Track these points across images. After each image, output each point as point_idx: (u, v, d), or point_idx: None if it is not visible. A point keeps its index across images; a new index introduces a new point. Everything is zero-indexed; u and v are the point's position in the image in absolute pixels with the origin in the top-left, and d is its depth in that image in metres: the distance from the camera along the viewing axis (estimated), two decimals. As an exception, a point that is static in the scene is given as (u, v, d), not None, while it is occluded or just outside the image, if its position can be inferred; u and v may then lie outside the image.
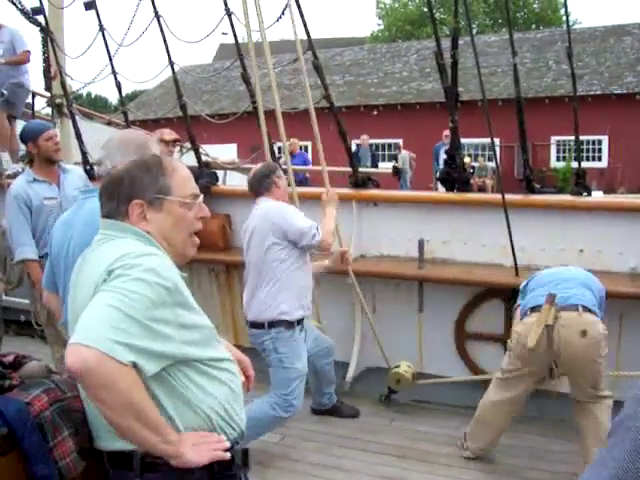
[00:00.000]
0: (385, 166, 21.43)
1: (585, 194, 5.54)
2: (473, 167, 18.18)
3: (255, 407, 4.32)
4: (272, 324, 4.35)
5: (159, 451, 1.79)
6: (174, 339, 1.82)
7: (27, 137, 4.80)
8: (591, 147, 22.11)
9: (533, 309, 4.02)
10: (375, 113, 24.69)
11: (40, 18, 7.07)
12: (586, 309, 3.93)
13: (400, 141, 24.50)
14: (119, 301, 1.71)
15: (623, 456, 0.98)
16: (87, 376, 1.66)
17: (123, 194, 1.99)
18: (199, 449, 1.84)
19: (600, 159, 22.22)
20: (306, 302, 4.50)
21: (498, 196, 5.11)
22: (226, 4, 6.20)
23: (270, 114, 5.32)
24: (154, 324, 1.76)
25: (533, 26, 40.55)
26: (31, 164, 4.84)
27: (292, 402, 4.38)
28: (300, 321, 4.45)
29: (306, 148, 19.23)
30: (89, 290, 1.83)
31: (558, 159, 22.54)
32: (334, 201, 4.70)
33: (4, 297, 5.97)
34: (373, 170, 9.05)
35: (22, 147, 6.23)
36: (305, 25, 5.71)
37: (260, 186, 4.49)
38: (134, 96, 33.75)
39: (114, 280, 1.77)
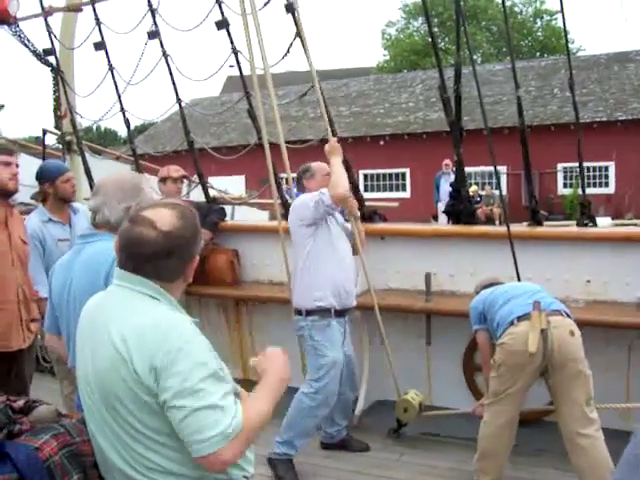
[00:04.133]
0: (392, 196, 21.54)
1: (591, 224, 5.57)
2: (480, 196, 18.24)
3: (290, 408, 4.61)
4: (309, 312, 4.61)
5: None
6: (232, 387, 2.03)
7: (45, 177, 4.88)
8: (598, 173, 22.14)
9: (520, 318, 4.09)
10: (382, 143, 24.84)
11: (51, 59, 7.23)
12: (566, 314, 4.16)
13: (407, 170, 24.67)
14: (200, 399, 1.85)
15: None
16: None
17: (189, 254, 2.07)
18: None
19: (607, 185, 22.24)
20: (341, 290, 4.64)
21: (504, 229, 5.15)
22: (232, 42, 6.32)
23: (277, 147, 5.39)
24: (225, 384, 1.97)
25: (538, 54, 40.87)
26: (44, 202, 4.91)
27: (319, 388, 4.57)
28: (339, 312, 4.64)
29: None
30: (120, 356, 1.92)
31: (565, 186, 22.56)
32: (337, 150, 4.76)
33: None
34: (379, 203, 9.09)
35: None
36: (310, 63, 5.81)
37: (299, 188, 4.97)
38: (143, 129, 34.10)
39: (174, 378, 1.86)
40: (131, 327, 1.92)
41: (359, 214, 5.18)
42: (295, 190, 5.31)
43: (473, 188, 16.63)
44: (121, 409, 1.90)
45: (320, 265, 4.60)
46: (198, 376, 1.86)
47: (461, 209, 5.65)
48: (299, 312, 4.69)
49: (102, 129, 51.24)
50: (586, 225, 5.55)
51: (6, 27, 6.93)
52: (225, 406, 1.88)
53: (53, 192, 4.82)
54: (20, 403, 2.06)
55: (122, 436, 1.92)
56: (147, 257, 1.99)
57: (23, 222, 4.35)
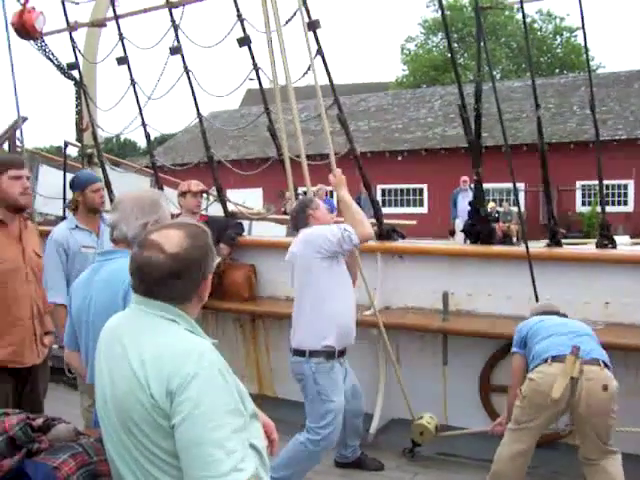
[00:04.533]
0: (409, 211, 21.52)
1: (610, 245, 5.53)
2: (498, 212, 18.17)
3: (289, 447, 4.39)
4: (312, 353, 4.37)
5: None
6: (246, 419, 2.01)
7: (76, 186, 4.96)
8: (617, 191, 22.01)
9: (555, 358, 3.99)
10: (400, 159, 24.84)
11: (75, 73, 7.32)
12: (605, 365, 3.98)
13: (425, 186, 24.64)
14: (208, 432, 1.84)
15: None
16: None
17: (200, 276, 2.06)
18: None
19: (626, 203, 22.10)
20: (348, 332, 4.50)
21: (522, 249, 5.12)
22: (253, 58, 6.37)
23: (295, 161, 5.40)
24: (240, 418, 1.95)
25: (557, 71, 40.77)
26: (75, 211, 4.98)
27: (325, 435, 4.37)
28: (341, 353, 4.48)
29: (331, 194, 19.38)
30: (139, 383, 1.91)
31: (584, 204, 22.45)
32: (343, 181, 4.70)
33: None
34: (397, 221, 9.09)
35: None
36: (330, 79, 5.85)
37: (299, 222, 4.64)
38: (162, 140, 34.29)
39: (186, 403, 1.85)
40: (149, 352, 1.93)
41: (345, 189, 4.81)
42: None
43: (490, 204, 16.57)
44: (138, 433, 1.91)
45: (331, 303, 4.38)
46: (211, 405, 1.85)
47: (479, 229, 5.63)
48: (301, 353, 4.43)
49: (122, 140, 51.64)
50: (605, 246, 5.51)
51: (32, 42, 7.03)
52: (231, 449, 1.84)
53: (82, 201, 4.90)
54: (39, 421, 2.07)
55: (139, 459, 1.92)
56: (156, 281, 1.99)
57: (37, 235, 4.35)
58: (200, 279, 2.06)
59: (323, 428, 4.36)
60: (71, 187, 5.07)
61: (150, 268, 1.98)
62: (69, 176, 8.42)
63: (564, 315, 4.54)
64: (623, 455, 4.02)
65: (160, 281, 1.99)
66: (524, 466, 4.23)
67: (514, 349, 4.43)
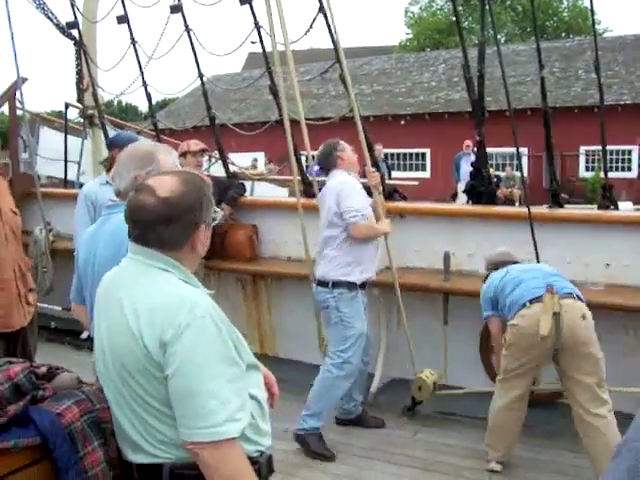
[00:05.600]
0: (412, 175, 21.44)
1: (612, 207, 5.52)
2: (498, 177, 18.10)
3: (317, 380, 4.75)
4: (335, 284, 4.69)
5: None
6: (242, 368, 2.00)
7: (115, 143, 5.01)
8: (620, 157, 21.87)
9: (532, 301, 4.12)
10: (403, 123, 24.70)
11: (74, 32, 7.25)
12: (578, 297, 4.17)
13: (428, 151, 24.54)
14: (201, 382, 1.84)
15: (622, 476, 1.01)
16: None
17: (193, 221, 2.01)
18: None
19: (630, 169, 21.97)
20: (368, 268, 4.81)
21: (524, 210, 5.12)
22: (255, 17, 6.29)
23: (297, 124, 5.38)
24: (235, 367, 1.95)
25: (563, 34, 40.26)
26: (109, 169, 5.00)
27: (348, 359, 4.70)
28: (363, 285, 4.78)
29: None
30: (132, 332, 1.92)
31: (587, 169, 22.33)
32: (388, 225, 4.97)
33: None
34: (399, 182, 9.07)
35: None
36: (333, 38, 5.79)
37: (328, 163, 4.95)
38: (164, 104, 34.15)
39: (179, 354, 1.85)
40: (142, 303, 1.93)
41: (381, 188, 5.30)
42: (316, 168, 5.32)
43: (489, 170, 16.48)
44: (133, 383, 1.92)
45: (354, 242, 4.70)
46: (204, 355, 1.86)
47: (481, 190, 5.63)
48: (324, 284, 4.75)
49: (123, 104, 51.37)
50: (607, 208, 5.51)
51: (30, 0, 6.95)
52: (225, 399, 1.85)
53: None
54: (43, 370, 2.10)
55: (136, 409, 1.94)
56: (147, 224, 1.98)
57: (9, 192, 4.28)
58: (191, 227, 2.01)
59: (344, 352, 4.69)
60: (109, 145, 5.18)
61: (141, 212, 1.98)
62: (70, 138, 8.44)
63: (518, 262, 4.68)
64: (620, 415, 4.05)
65: (150, 225, 1.97)
66: (519, 415, 4.32)
67: (486, 313, 4.54)
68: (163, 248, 2.00)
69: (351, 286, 4.70)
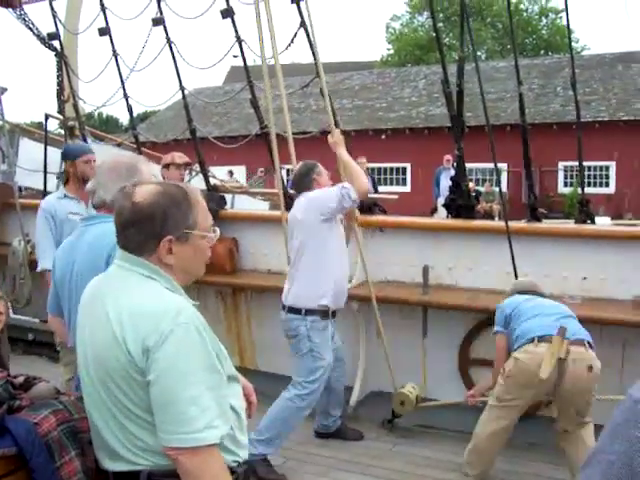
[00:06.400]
0: (392, 190, 21.54)
1: (589, 222, 5.60)
2: (478, 191, 18.23)
3: (274, 407, 4.56)
4: (309, 312, 4.56)
5: None
6: (223, 377, 2.00)
7: (67, 156, 5.05)
8: (598, 173, 22.15)
9: (541, 339, 4.02)
10: (383, 137, 24.83)
11: (55, 43, 7.24)
12: (590, 345, 4.03)
13: (408, 165, 24.66)
14: (182, 389, 1.85)
15: None
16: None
17: (154, 230, 2.00)
18: None
19: (608, 185, 22.24)
20: (342, 292, 4.70)
21: (502, 224, 5.17)
22: (236, 30, 6.33)
23: (279, 137, 5.40)
24: (216, 375, 1.96)
25: (542, 52, 40.78)
26: (66, 183, 5.05)
27: (314, 390, 4.58)
28: (334, 313, 4.67)
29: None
30: (113, 331, 1.92)
31: (566, 184, 22.57)
32: (342, 141, 4.83)
33: (12, 315, 6.05)
34: (379, 196, 9.11)
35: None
36: (314, 52, 5.82)
37: (303, 185, 4.78)
38: (145, 117, 34.05)
39: (161, 361, 1.86)
40: (127, 309, 1.94)
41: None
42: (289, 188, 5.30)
43: (469, 185, 16.60)
44: (114, 388, 1.92)
45: (328, 263, 4.58)
46: (186, 362, 1.87)
47: (460, 203, 5.68)
48: (296, 311, 4.61)
49: (104, 116, 51.17)
50: (584, 222, 5.58)
51: (11, 10, 6.93)
52: (205, 406, 1.86)
53: (73, 171, 4.97)
54: (20, 379, 2.09)
55: (116, 415, 1.94)
56: (120, 226, 2.03)
57: None
58: (156, 234, 2.00)
59: (311, 383, 4.57)
60: (63, 157, 5.16)
61: (117, 214, 2.04)
62: (50, 149, 8.40)
63: (545, 296, 4.56)
64: (596, 427, 4.10)
65: (121, 228, 2.03)
66: (503, 442, 4.33)
67: (497, 328, 4.43)
68: (126, 250, 2.03)
69: (324, 315, 4.59)
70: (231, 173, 19.56)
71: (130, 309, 1.93)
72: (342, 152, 4.76)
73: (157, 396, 1.86)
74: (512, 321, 4.33)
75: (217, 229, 2.19)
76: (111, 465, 1.99)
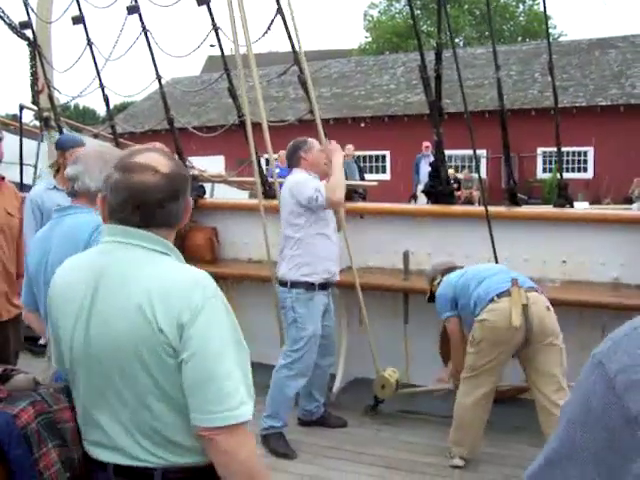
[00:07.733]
0: (372, 177, 21.55)
1: (567, 205, 5.63)
2: (457, 179, 18.30)
3: (271, 381, 4.80)
4: (293, 284, 4.72)
5: None
6: (247, 352, 1.93)
7: (59, 147, 5.07)
8: (577, 158, 22.31)
9: (500, 295, 4.21)
10: (362, 125, 24.80)
11: (28, 32, 7.12)
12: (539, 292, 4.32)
13: (387, 153, 24.67)
14: (218, 364, 1.80)
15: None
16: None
17: (188, 192, 1.98)
18: None
19: (586, 170, 22.41)
20: (329, 268, 4.79)
21: (482, 209, 5.19)
22: (213, 19, 6.26)
23: (257, 126, 5.37)
24: (243, 350, 1.90)
25: (520, 38, 40.92)
26: (57, 173, 5.03)
27: (298, 359, 4.73)
28: (323, 285, 4.76)
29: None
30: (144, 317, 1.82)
31: (544, 170, 22.72)
32: (340, 150, 4.92)
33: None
34: (359, 182, 9.11)
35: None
36: (291, 40, 5.79)
37: (291, 162, 4.96)
38: (122, 108, 33.77)
39: (195, 338, 1.79)
40: (156, 288, 1.83)
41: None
42: (278, 169, 5.31)
43: (450, 172, 16.67)
44: (139, 372, 1.83)
45: (313, 241, 4.69)
46: (219, 338, 1.81)
47: (440, 189, 5.68)
48: (283, 284, 4.78)
49: (80, 107, 50.62)
50: (563, 206, 5.61)
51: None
52: (238, 382, 1.81)
53: (63, 162, 4.94)
54: (-3, 371, 2.05)
55: (135, 408, 1.86)
56: (157, 203, 1.88)
57: (14, 195, 4.34)
58: (181, 210, 1.97)
59: (295, 352, 4.74)
60: (56, 148, 5.18)
61: (147, 191, 1.87)
62: (26, 141, 8.29)
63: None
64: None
65: (159, 204, 1.88)
66: (486, 412, 4.38)
67: (446, 314, 4.57)
68: (168, 227, 1.95)
69: (309, 287, 4.72)
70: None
71: (158, 285, 1.83)
72: (337, 160, 4.81)
73: (193, 374, 1.79)
74: (460, 298, 4.48)
75: None
76: (111, 458, 1.91)
